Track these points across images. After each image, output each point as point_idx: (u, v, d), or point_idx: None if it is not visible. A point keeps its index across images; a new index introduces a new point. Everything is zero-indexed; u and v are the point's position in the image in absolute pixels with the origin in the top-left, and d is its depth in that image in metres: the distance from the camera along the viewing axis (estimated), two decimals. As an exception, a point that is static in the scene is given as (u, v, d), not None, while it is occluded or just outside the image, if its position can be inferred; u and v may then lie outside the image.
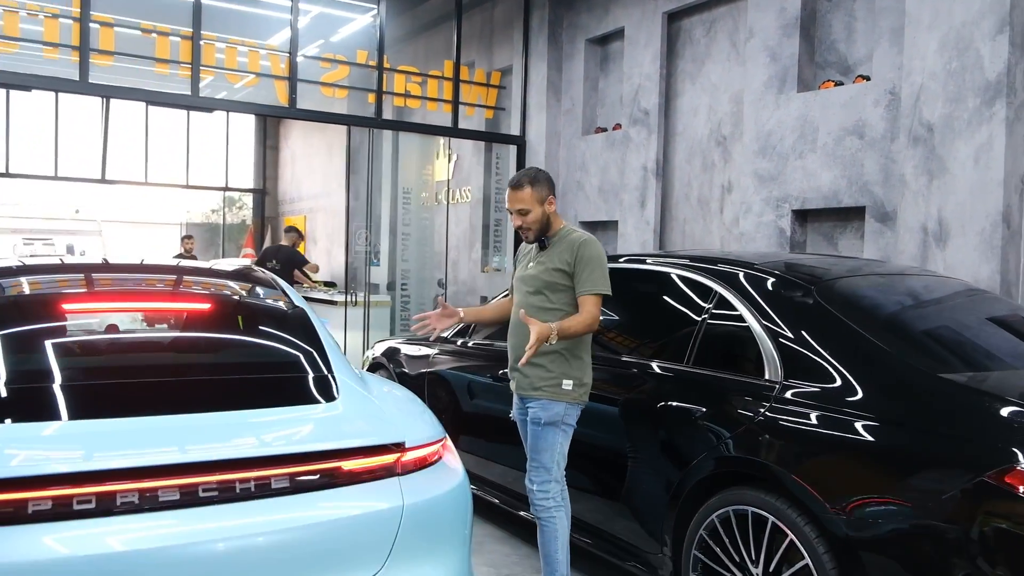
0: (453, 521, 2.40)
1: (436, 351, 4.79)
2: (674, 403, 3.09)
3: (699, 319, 3.21)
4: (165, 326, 3.31)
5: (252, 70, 6.86)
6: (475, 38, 9.21)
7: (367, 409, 2.52)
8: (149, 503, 1.93)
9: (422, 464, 2.34)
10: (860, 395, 2.55)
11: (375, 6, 7.58)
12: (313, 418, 2.41)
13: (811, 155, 5.81)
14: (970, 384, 2.44)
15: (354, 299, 8.61)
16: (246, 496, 2.04)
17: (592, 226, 8.16)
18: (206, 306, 3.11)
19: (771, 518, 2.61)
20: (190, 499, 1.97)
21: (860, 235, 5.65)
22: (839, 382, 2.63)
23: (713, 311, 3.18)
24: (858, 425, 2.48)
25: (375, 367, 5.46)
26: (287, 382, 2.61)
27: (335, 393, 2.51)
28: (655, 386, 3.25)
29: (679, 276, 3.42)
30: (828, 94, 5.70)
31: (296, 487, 2.10)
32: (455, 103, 8.15)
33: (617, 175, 7.63)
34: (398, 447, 2.27)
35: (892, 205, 5.28)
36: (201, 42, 6.45)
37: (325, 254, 13.65)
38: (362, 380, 2.76)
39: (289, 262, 9.11)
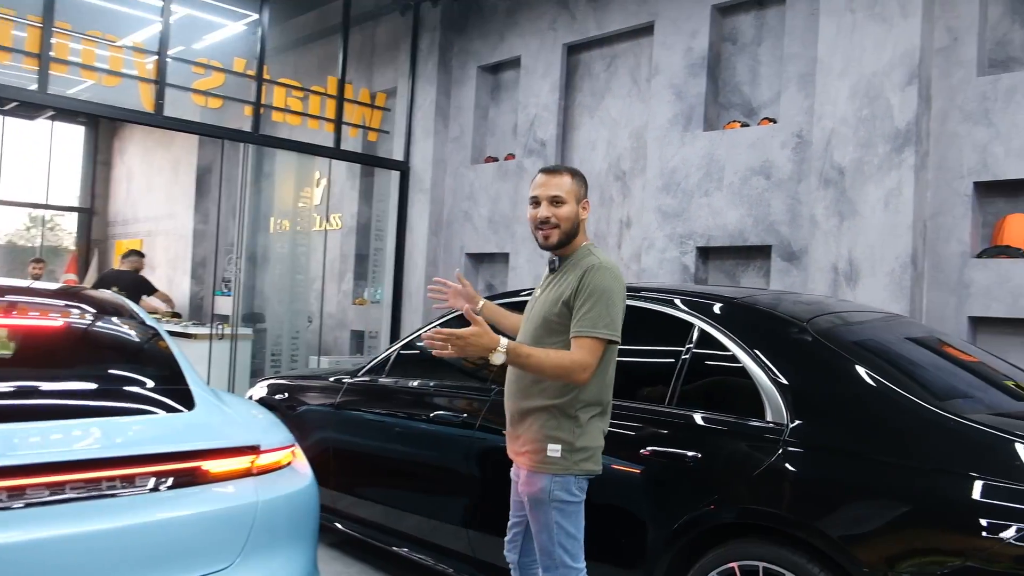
0: (302, 519, 2.61)
1: (344, 392, 4.27)
2: (661, 448, 2.82)
3: (680, 357, 2.98)
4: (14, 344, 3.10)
5: (114, 68, 6.03)
6: (354, 57, 8.74)
7: (223, 417, 2.66)
8: (19, 500, 2.04)
9: (275, 467, 2.54)
10: (887, 439, 2.39)
11: (255, 13, 6.97)
12: (175, 424, 2.53)
13: (717, 193, 5.85)
14: (1001, 427, 2.34)
15: (219, 332, 7.75)
16: (111, 494, 2.19)
17: (480, 258, 7.86)
18: (60, 324, 3.12)
19: (788, 574, 2.39)
20: (59, 497, 2.10)
21: (763, 273, 5.73)
22: (859, 424, 2.46)
23: (695, 349, 2.96)
24: (891, 471, 2.31)
25: (262, 408, 4.82)
26: (148, 394, 2.71)
27: (193, 403, 2.63)
28: (636, 430, 2.96)
29: (653, 311, 3.18)
30: (735, 134, 5.79)
31: (159, 485, 2.27)
32: (338, 122, 7.63)
33: (509, 206, 7.40)
34: (253, 449, 2.47)
35: (799, 244, 5.39)
36: (53, 29, 5.59)
37: (166, 282, 12.42)
38: (215, 393, 2.87)
39: (134, 289, 8.06)
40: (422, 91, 8.11)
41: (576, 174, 2.55)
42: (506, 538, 2.73)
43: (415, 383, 3.99)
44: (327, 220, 9.76)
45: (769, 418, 2.63)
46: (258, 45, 6.93)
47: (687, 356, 2.95)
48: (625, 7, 6.60)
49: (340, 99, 7.60)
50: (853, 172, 4.96)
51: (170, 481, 2.28)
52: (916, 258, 4.74)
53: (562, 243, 2.50)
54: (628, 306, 2.69)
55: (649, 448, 2.83)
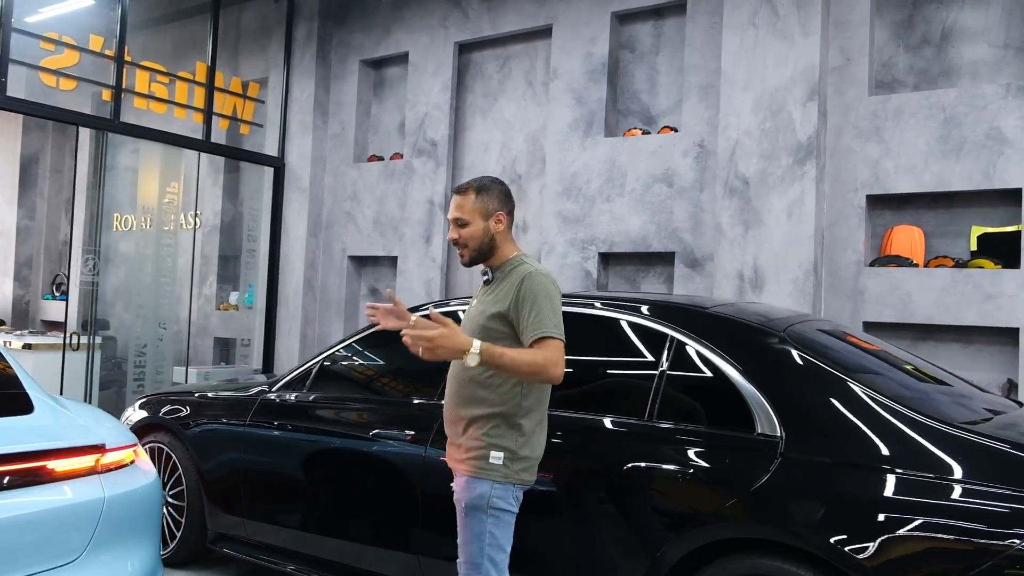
0: (146, 514, 2.73)
1: (257, 408, 3.87)
2: (644, 464, 2.72)
3: (658, 369, 2.90)
4: None
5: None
6: (220, 42, 8.06)
7: (67, 419, 2.74)
8: None
9: (119, 465, 2.64)
10: (887, 450, 2.42)
11: (113, -16, 6.23)
12: (15, 427, 2.55)
13: (619, 199, 5.89)
14: (998, 435, 2.43)
15: (75, 342, 6.86)
16: None
17: (363, 261, 7.50)
18: None
19: (790, 586, 2.37)
20: None
21: (665, 279, 5.83)
22: (855, 435, 2.48)
23: (674, 359, 2.89)
24: (894, 480, 2.34)
25: (146, 430, 4.29)
26: None
27: (32, 407, 2.67)
28: (614, 445, 2.85)
29: (625, 320, 3.08)
30: (636, 141, 5.85)
31: (9, 485, 2.35)
32: (208, 112, 7.00)
33: (397, 207, 7.11)
34: (99, 448, 2.58)
35: (702, 251, 5.53)
36: None
37: (-20, 284, 10.93)
38: (54, 398, 2.90)
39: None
40: (298, 84, 7.62)
41: (483, 189, 2.55)
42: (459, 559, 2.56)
43: (353, 397, 3.68)
44: (184, 218, 8.96)
45: (760, 430, 2.60)
46: (118, 22, 6.20)
47: (664, 369, 2.88)
48: (521, 8, 6.51)
49: (210, 87, 6.98)
50: (758, 182, 5.14)
51: (16, 480, 2.37)
52: (816, 266, 4.98)
53: (475, 260, 2.57)
54: (586, 315, 2.77)
55: (631, 464, 2.73)
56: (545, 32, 6.47)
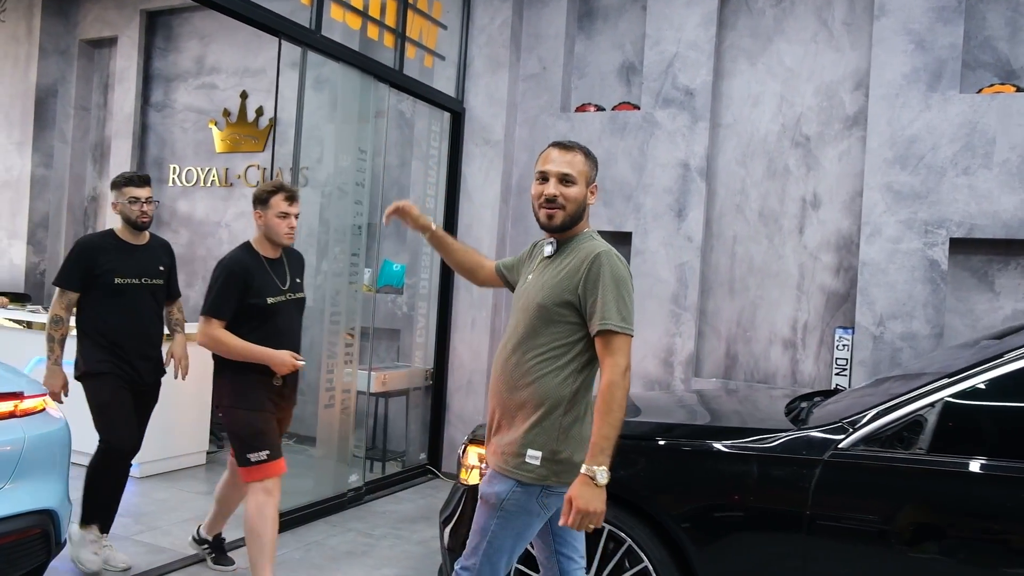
0: (58, 452, 3.09)
1: (821, 483, 2.48)
2: None
3: None
4: None
5: None
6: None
7: None
8: None
9: (34, 410, 3.03)
10: None
11: None
12: None
13: (983, 172, 4.70)
14: None
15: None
16: None
17: (568, 236, 6.00)
18: None
19: None
20: None
21: (1037, 274, 4.71)
22: None
23: None
24: None
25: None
26: None
27: None
28: None
29: None
30: (1009, 100, 4.66)
31: None
32: (402, 37, 5.33)
33: (631, 171, 5.67)
34: (18, 395, 2.96)
35: (1114, 242, 4.42)
36: None
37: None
38: None
39: None
40: (487, 5, 6.00)
41: (590, 155, 2.38)
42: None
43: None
44: (283, 172, 7.17)
45: None
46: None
47: None
48: (824, -74, 5.18)
49: (404, 4, 5.30)
50: None
51: None
52: None
53: (565, 226, 2.33)
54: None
55: None
56: (854, -42, 5.17)
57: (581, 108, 5.95)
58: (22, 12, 8.28)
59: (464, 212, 6.03)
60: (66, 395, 3.75)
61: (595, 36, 6.08)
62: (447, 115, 5.97)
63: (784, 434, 2.70)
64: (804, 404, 3.36)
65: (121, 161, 7.91)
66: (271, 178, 7.24)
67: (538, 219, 2.34)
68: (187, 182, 7.73)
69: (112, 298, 3.70)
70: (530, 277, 2.39)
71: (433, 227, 2.71)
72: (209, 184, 7.62)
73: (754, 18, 5.55)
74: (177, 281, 4.16)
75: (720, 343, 5.56)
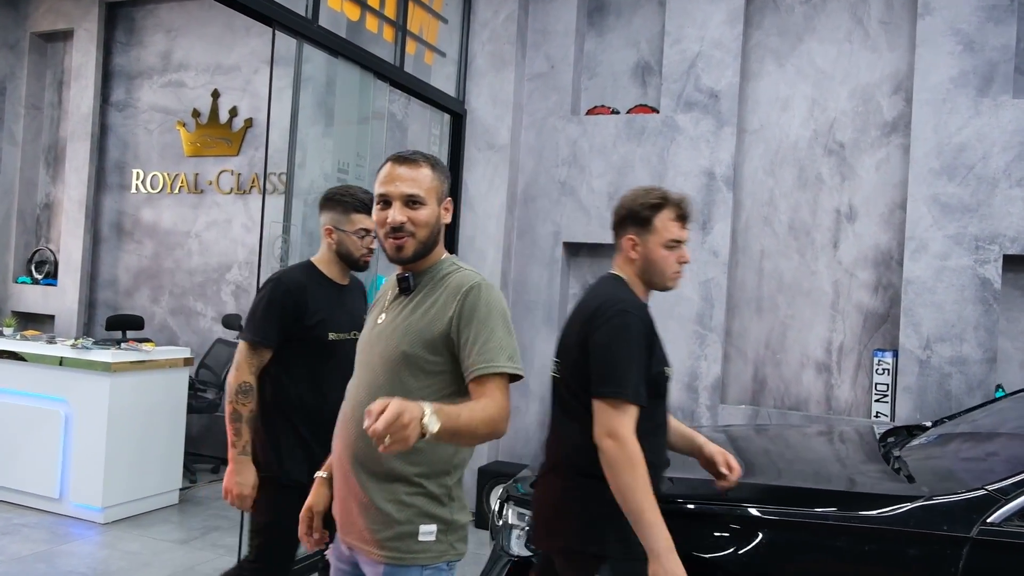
0: None
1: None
2: None
3: None
4: None
5: None
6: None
7: None
8: None
9: None
10: None
11: None
12: None
13: (1040, 183, 4.36)
14: None
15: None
16: None
17: (580, 250, 5.54)
18: None
19: None
20: None
21: (1097, 293, 4.38)
22: None
23: None
24: None
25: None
26: None
27: None
28: None
29: None
30: (1068, 106, 4.33)
31: None
32: (402, 30, 4.81)
33: (649, 179, 5.22)
34: None
35: None
36: None
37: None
38: None
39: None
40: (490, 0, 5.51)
41: (437, 165, 1.96)
42: None
43: None
44: (257, 181, 6.58)
45: None
46: None
47: None
48: (860, -83, 4.81)
49: (405, -3, 4.78)
50: None
51: None
52: None
53: (419, 255, 1.93)
54: None
55: None
56: (892, -48, 4.81)
57: (593, 111, 5.49)
58: (-34, 2, 7.56)
59: (466, 223, 5.52)
60: (255, 499, 2.56)
61: (607, 33, 5.63)
62: (447, 117, 5.46)
63: (907, 502, 2.25)
64: (895, 451, 2.93)
65: (78, 165, 7.23)
66: (244, 185, 6.65)
67: (385, 251, 1.95)
68: (152, 188, 7.08)
69: (321, 361, 2.59)
70: (382, 319, 1.95)
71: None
72: (177, 191, 6.98)
73: (782, 15, 5.15)
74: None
75: (747, 366, 5.14)
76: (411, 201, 1.89)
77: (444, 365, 1.84)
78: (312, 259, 2.74)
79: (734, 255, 5.14)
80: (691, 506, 2.41)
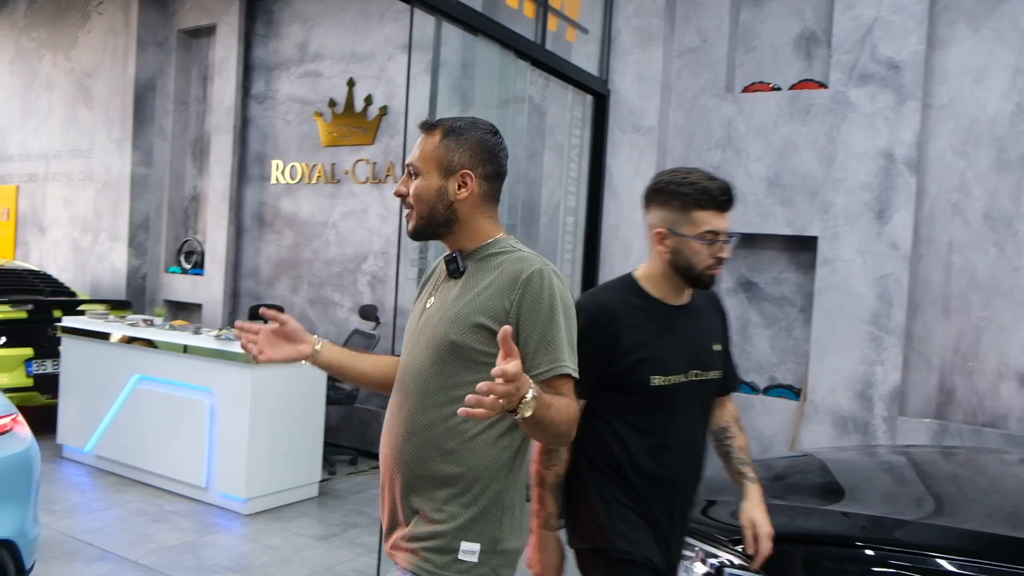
0: (25, 472, 3.01)
1: None
2: None
3: None
4: None
5: None
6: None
7: None
8: None
9: (2, 431, 2.94)
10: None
11: None
12: None
13: None
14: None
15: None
16: None
17: (749, 241, 5.06)
18: None
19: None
20: None
21: None
22: None
23: None
24: None
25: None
26: None
27: None
28: None
29: None
30: None
31: None
32: (544, 5, 4.51)
33: (817, 163, 4.70)
34: None
35: None
36: None
37: (72, 252, 8.35)
38: None
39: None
40: (636, -29, 5.12)
41: (454, 132, 1.69)
42: None
43: None
44: (392, 170, 6.48)
45: None
46: None
47: None
48: None
49: (548, -38, 4.47)
50: None
51: None
52: None
53: (424, 233, 1.72)
54: None
55: None
56: None
57: (751, 88, 5.00)
58: (119, 3, 7.86)
59: (610, 211, 5.17)
60: None
61: (765, 2, 5.11)
62: (589, 98, 5.12)
63: None
64: None
65: (222, 157, 7.38)
66: (380, 174, 6.57)
67: None
68: (291, 179, 7.14)
69: (646, 411, 1.99)
70: (430, 304, 1.75)
71: (317, 346, 1.85)
72: (315, 181, 7.00)
73: (980, -28, 4.49)
74: (734, 363, 2.22)
75: (931, 375, 4.54)
76: (412, 172, 1.74)
77: (489, 351, 1.60)
78: (634, 273, 2.07)
79: (916, 248, 4.54)
80: (870, 552, 2.09)
